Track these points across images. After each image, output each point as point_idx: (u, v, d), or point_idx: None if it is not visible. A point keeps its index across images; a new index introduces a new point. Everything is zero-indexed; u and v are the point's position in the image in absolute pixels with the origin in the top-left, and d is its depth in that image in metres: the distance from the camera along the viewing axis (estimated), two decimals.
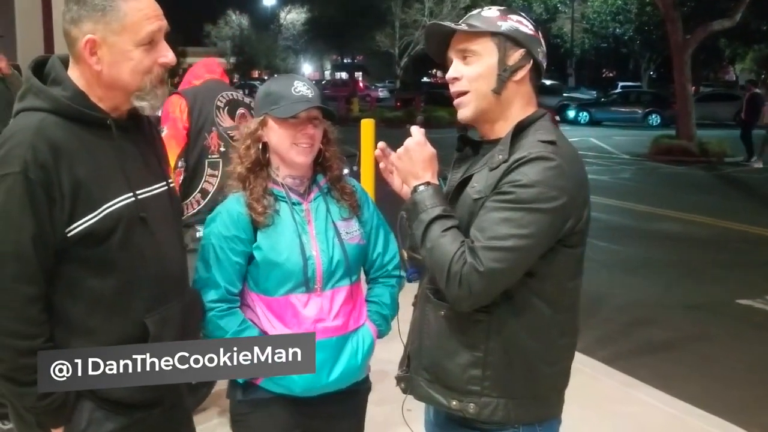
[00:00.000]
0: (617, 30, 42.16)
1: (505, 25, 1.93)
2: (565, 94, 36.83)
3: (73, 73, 1.91)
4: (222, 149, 3.66)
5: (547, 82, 37.43)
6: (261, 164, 2.36)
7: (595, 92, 40.73)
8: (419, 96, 34.03)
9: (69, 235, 1.83)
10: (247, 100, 3.93)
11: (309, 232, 2.34)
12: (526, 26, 1.96)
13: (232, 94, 3.84)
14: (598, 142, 22.82)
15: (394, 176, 2.11)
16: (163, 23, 1.93)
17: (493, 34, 1.93)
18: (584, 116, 31.68)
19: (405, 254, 2.45)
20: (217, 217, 2.34)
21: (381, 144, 2.15)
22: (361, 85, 47.69)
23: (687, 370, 5.60)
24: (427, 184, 1.94)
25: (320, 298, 2.32)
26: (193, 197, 3.68)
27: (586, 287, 2.04)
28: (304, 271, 2.29)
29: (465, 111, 1.98)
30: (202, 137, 3.64)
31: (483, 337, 1.91)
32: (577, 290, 1.98)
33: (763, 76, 45.61)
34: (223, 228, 2.31)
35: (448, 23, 2.00)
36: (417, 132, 2.00)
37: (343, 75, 49.34)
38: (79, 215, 1.83)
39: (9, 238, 1.79)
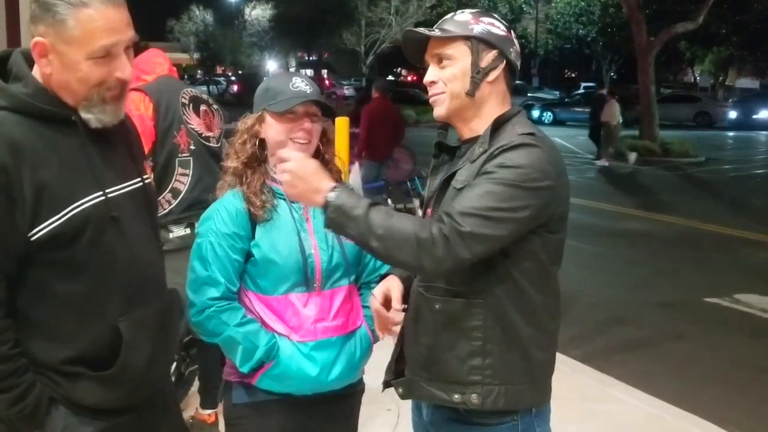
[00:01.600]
0: (580, 31, 42.60)
1: (477, 28, 1.98)
2: (529, 94, 37.14)
3: (38, 69, 1.82)
4: (192, 147, 3.56)
5: None
6: (258, 160, 2.33)
7: (558, 92, 41.15)
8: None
9: (32, 239, 1.75)
10: (204, 96, 3.85)
11: (307, 230, 2.31)
12: (498, 28, 2.01)
13: (192, 91, 3.76)
14: (563, 142, 23.01)
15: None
16: (123, 37, 1.81)
17: (466, 38, 1.98)
18: (548, 116, 32.02)
19: None
20: (215, 214, 2.30)
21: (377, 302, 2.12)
22: (327, 82, 47.52)
23: (661, 367, 5.66)
24: (334, 188, 1.90)
25: (320, 297, 2.29)
26: (163, 197, 3.52)
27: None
28: (304, 269, 2.26)
29: (439, 109, 2.03)
30: (171, 135, 3.50)
31: (481, 325, 1.92)
32: (557, 275, 2.03)
33: (720, 78, 46.50)
34: (222, 225, 2.26)
35: (422, 30, 2.04)
36: (290, 153, 2.01)
37: (309, 72, 49.08)
38: (43, 218, 1.74)
39: None
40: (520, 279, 1.92)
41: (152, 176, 3.51)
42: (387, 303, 2.11)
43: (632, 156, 18.67)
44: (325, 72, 53.13)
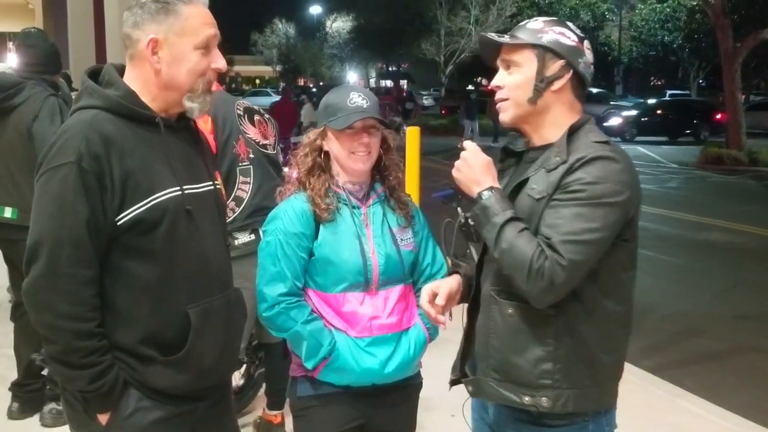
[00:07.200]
0: (666, 38, 41.47)
1: (546, 37, 2.02)
2: (612, 102, 36.35)
3: (129, 76, 2.05)
4: (251, 155, 3.70)
5: (594, 90, 36.94)
6: (322, 168, 2.49)
7: (642, 101, 40.11)
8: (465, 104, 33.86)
9: (119, 223, 1.93)
10: (256, 107, 3.98)
11: (367, 235, 2.46)
12: (568, 38, 2.04)
13: (244, 102, 3.89)
14: (646, 151, 22.52)
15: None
16: (217, 31, 2.08)
17: (534, 46, 2.02)
18: None
19: (449, 261, 2.53)
20: (282, 214, 2.46)
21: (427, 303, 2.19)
22: (405, 93, 47.77)
23: (735, 380, 5.52)
24: (491, 188, 2.01)
25: (375, 297, 2.44)
26: (227, 206, 3.63)
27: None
28: (363, 272, 2.41)
29: (504, 116, 2.10)
30: (230, 145, 3.63)
31: (552, 331, 1.99)
32: (631, 282, 2.07)
33: None
34: (289, 224, 2.43)
35: (493, 36, 2.09)
36: (470, 144, 2.11)
37: (388, 83, 49.43)
38: (129, 204, 1.94)
39: (65, 224, 1.89)
40: (594, 288, 1.98)
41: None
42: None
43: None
44: (405, 83, 53.32)
